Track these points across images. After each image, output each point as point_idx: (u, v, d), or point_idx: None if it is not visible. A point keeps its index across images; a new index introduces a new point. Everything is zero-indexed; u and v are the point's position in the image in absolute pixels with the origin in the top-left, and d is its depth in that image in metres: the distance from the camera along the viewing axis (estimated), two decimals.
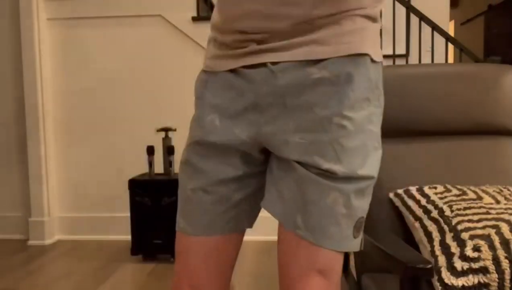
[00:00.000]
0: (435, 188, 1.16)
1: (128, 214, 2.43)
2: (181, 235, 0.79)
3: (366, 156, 0.69)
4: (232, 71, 0.73)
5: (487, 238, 0.94)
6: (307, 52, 0.67)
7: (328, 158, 0.66)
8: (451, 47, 3.06)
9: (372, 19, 0.71)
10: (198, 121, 0.81)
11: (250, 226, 0.83)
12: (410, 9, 2.59)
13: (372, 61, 0.69)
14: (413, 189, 1.18)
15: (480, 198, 1.08)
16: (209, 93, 0.81)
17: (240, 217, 0.79)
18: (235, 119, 0.74)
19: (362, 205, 0.70)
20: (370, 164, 0.69)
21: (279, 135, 0.70)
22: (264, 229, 2.88)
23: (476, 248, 0.93)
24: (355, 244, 0.71)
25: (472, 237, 0.96)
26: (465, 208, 1.04)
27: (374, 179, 0.71)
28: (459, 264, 0.93)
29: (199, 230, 0.77)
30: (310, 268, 0.69)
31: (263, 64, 0.69)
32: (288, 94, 0.68)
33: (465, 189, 1.13)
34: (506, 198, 1.08)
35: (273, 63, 0.68)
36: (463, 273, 0.92)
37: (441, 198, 1.11)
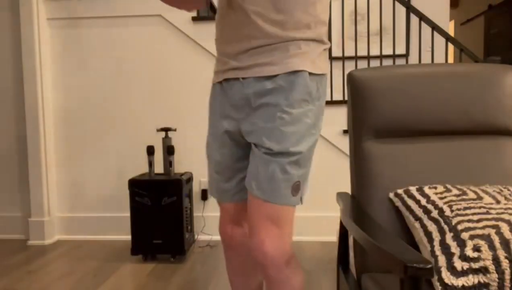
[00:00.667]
0: (435, 188, 1.16)
1: (128, 214, 2.43)
2: (218, 201, 1.22)
3: (301, 138, 0.98)
4: (220, 82, 1.08)
5: (487, 238, 0.94)
6: (264, 70, 0.99)
7: (271, 140, 0.97)
8: (451, 47, 3.05)
9: (316, 41, 1.00)
10: (210, 119, 1.15)
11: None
12: (410, 9, 2.59)
13: (311, 74, 0.99)
14: (413, 189, 1.18)
15: (480, 198, 1.08)
16: (213, 99, 1.13)
17: (243, 192, 1.10)
18: (224, 116, 1.08)
19: (297, 172, 0.99)
20: (303, 144, 0.98)
21: (248, 126, 1.02)
22: None
23: (476, 248, 0.93)
24: (294, 200, 1.00)
25: (472, 237, 0.96)
26: (465, 208, 1.04)
27: (303, 153, 0.99)
28: (459, 264, 0.93)
29: (220, 199, 1.19)
30: (264, 218, 0.98)
31: (237, 78, 1.02)
32: (252, 98, 1.01)
33: (465, 189, 1.13)
34: (506, 198, 1.08)
35: (243, 78, 1.01)
36: (463, 273, 0.92)
37: (441, 198, 1.11)
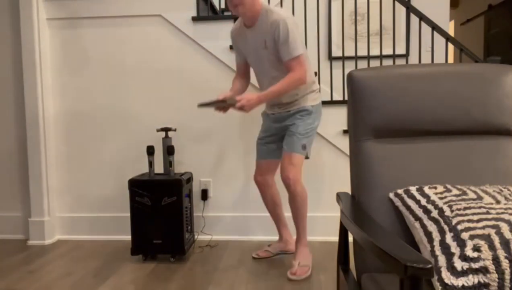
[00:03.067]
0: (435, 188, 1.16)
1: (128, 214, 2.43)
2: (258, 160, 2.37)
3: (304, 128, 2.16)
4: (268, 113, 2.34)
5: (487, 238, 0.94)
6: (289, 109, 2.21)
7: (294, 128, 2.17)
8: (451, 47, 3.05)
9: (309, 92, 2.20)
10: (263, 123, 2.39)
11: (280, 158, 2.24)
12: (410, 9, 2.59)
13: (312, 106, 2.19)
14: (413, 189, 1.18)
15: (480, 198, 1.08)
16: (265, 117, 2.37)
17: (274, 153, 2.31)
18: (269, 125, 2.33)
19: (302, 139, 2.14)
20: (304, 129, 2.15)
21: (288, 122, 2.22)
22: (266, 230, 2.89)
23: (476, 248, 0.93)
24: (303, 152, 2.16)
25: (472, 237, 0.96)
26: (465, 208, 1.04)
27: (305, 133, 2.16)
28: (459, 264, 0.93)
29: (260, 157, 2.35)
30: (288, 161, 2.14)
31: (279, 112, 2.27)
32: (281, 119, 2.26)
33: (465, 189, 1.13)
34: (506, 198, 1.08)
35: (279, 113, 2.26)
36: (463, 273, 0.92)
37: (441, 198, 1.11)
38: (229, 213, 2.82)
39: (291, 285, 2.03)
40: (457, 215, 1.03)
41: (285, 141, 2.17)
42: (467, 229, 0.98)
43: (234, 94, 2.12)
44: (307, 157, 2.22)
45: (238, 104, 1.96)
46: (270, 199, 2.36)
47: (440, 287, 0.93)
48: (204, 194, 2.81)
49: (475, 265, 0.92)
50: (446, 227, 1.02)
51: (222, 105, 2.00)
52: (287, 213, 2.34)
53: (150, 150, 2.49)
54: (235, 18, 2.73)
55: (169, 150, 2.50)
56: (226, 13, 3.63)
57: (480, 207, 1.04)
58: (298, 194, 2.15)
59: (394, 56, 2.68)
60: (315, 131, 2.24)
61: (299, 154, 2.14)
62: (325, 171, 2.73)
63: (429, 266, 0.74)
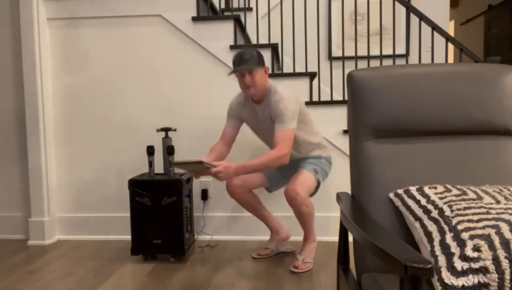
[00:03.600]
0: (435, 188, 1.16)
1: (128, 214, 2.43)
2: None
3: (316, 164, 2.29)
4: None
5: (487, 238, 0.94)
6: (301, 156, 2.34)
7: (302, 162, 2.33)
8: (451, 47, 3.04)
9: (318, 148, 2.34)
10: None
11: (270, 191, 2.51)
12: (410, 9, 2.59)
13: (321, 155, 2.33)
14: (413, 189, 1.18)
15: (480, 198, 1.08)
16: None
17: (269, 173, 2.41)
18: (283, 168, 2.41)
19: (314, 166, 2.27)
20: (316, 164, 2.29)
21: (295, 168, 2.34)
22: (266, 230, 2.89)
23: (476, 248, 0.93)
24: (314, 174, 2.24)
25: (472, 237, 0.96)
26: (465, 208, 1.04)
27: (318, 164, 2.29)
28: (459, 264, 0.93)
29: None
30: (298, 180, 2.17)
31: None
32: (295, 162, 2.35)
33: (465, 189, 1.13)
34: (506, 198, 1.08)
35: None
36: (463, 273, 0.92)
37: (441, 198, 1.11)
38: (229, 213, 2.82)
39: (291, 285, 2.03)
40: (457, 215, 1.03)
41: (297, 171, 2.26)
42: (467, 229, 0.98)
43: (213, 160, 2.12)
44: (315, 191, 2.29)
45: (214, 169, 1.93)
46: (246, 203, 2.38)
47: (440, 287, 0.93)
48: (204, 194, 2.81)
49: (475, 265, 0.92)
50: (446, 227, 1.02)
51: (197, 168, 1.95)
52: (280, 213, 2.34)
53: (150, 150, 2.49)
54: (235, 18, 2.73)
55: (169, 150, 2.50)
56: (226, 13, 3.63)
57: (480, 207, 1.04)
58: (304, 212, 2.17)
59: (394, 56, 2.68)
60: (326, 172, 2.32)
61: (311, 174, 2.21)
62: None
63: (429, 266, 0.74)
